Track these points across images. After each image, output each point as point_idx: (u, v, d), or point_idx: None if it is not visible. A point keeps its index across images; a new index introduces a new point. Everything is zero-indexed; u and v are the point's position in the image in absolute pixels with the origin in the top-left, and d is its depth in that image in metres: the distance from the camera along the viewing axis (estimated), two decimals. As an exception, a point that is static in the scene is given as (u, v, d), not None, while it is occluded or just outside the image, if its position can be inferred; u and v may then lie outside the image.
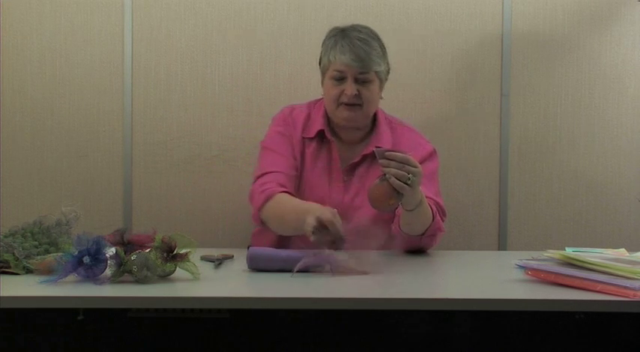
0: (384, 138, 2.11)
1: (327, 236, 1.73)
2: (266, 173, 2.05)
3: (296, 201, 1.97)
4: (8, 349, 1.54)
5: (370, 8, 2.64)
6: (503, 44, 2.66)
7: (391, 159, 1.76)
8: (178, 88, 2.64)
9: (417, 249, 2.01)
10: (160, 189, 2.64)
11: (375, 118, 2.16)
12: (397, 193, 1.77)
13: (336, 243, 1.73)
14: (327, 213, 1.75)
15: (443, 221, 2.06)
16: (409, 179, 1.76)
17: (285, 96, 2.60)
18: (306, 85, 2.61)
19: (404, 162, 1.77)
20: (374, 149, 1.84)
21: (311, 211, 1.78)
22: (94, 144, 2.63)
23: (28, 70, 2.62)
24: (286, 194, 1.99)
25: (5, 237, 1.67)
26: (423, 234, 1.94)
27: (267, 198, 1.98)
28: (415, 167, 1.78)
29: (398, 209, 1.92)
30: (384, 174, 1.77)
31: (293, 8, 2.63)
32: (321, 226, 1.73)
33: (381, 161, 1.78)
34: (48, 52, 2.62)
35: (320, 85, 2.16)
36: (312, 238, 1.74)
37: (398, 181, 1.76)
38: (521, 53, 2.67)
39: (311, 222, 1.73)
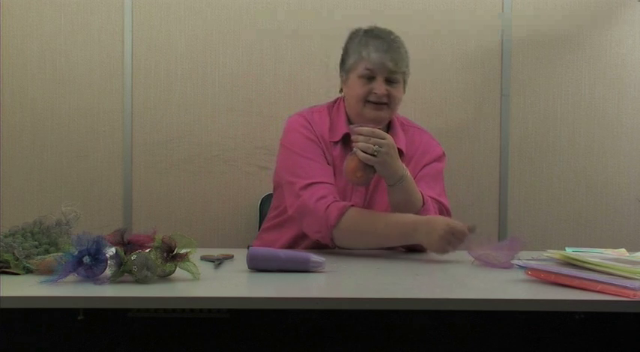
0: (399, 140, 2.10)
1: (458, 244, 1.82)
2: (315, 183, 1.97)
3: (379, 214, 1.94)
4: (8, 349, 1.54)
5: (370, 9, 2.64)
6: (503, 44, 2.66)
7: (359, 134, 1.83)
8: (178, 88, 2.64)
9: (413, 245, 2.01)
10: (160, 189, 2.64)
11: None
12: (365, 166, 1.84)
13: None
14: (454, 225, 1.83)
15: None
16: (375, 151, 1.81)
17: (285, 96, 2.60)
18: (306, 85, 2.62)
19: (370, 135, 1.82)
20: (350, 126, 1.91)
21: (429, 224, 1.84)
22: (94, 144, 2.63)
23: (28, 70, 2.62)
24: (356, 208, 1.94)
25: (5, 237, 1.67)
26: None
27: (341, 214, 1.90)
28: (382, 139, 1.83)
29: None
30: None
31: (293, 8, 2.63)
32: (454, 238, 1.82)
33: (352, 137, 1.86)
34: (48, 52, 2.62)
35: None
36: (445, 251, 1.83)
37: (363, 153, 1.82)
38: (521, 53, 2.67)
39: (447, 236, 1.81)
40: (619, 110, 2.71)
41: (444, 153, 2.17)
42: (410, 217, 1.89)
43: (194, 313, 1.52)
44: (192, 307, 1.51)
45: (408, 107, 2.63)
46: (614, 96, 2.70)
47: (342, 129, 2.08)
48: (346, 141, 2.07)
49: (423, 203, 1.94)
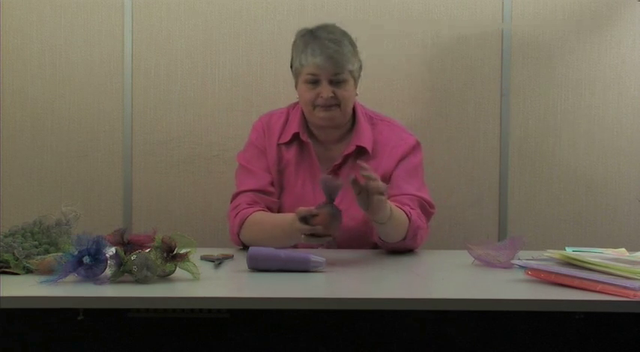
0: (364, 136, 2.09)
1: (318, 232, 1.75)
2: (238, 193, 2.08)
3: (271, 216, 2.00)
4: (8, 349, 1.54)
5: (370, 9, 2.64)
6: (503, 44, 2.66)
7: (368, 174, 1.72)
8: (178, 88, 2.64)
9: (404, 250, 2.00)
10: (160, 189, 2.64)
11: (354, 115, 2.13)
12: (334, 220, 1.75)
13: (327, 235, 1.76)
14: (304, 209, 1.77)
15: (431, 214, 2.06)
16: (383, 189, 1.73)
17: (285, 97, 2.59)
18: (306, 85, 2.61)
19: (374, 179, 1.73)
20: (321, 179, 1.81)
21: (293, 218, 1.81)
22: (94, 144, 2.63)
23: (28, 70, 2.62)
24: (259, 212, 2.01)
25: (5, 237, 1.67)
26: (403, 238, 1.92)
27: (242, 222, 2.00)
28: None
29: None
30: (325, 202, 1.75)
31: (293, 8, 2.63)
32: (310, 222, 1.75)
33: (328, 188, 1.74)
34: (48, 52, 2.62)
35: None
36: (303, 239, 1.77)
37: (378, 196, 1.72)
38: (521, 53, 2.67)
39: (299, 225, 1.76)
40: (619, 110, 2.70)
41: (417, 143, 2.13)
42: (285, 218, 1.89)
43: (194, 313, 1.52)
44: (192, 307, 1.51)
45: (408, 107, 2.64)
46: (614, 96, 2.70)
47: (293, 129, 2.10)
48: (300, 141, 2.10)
49: (409, 219, 1.92)
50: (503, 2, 2.65)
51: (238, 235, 2.02)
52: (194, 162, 2.64)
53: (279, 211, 2.08)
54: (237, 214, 2.02)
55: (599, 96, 2.69)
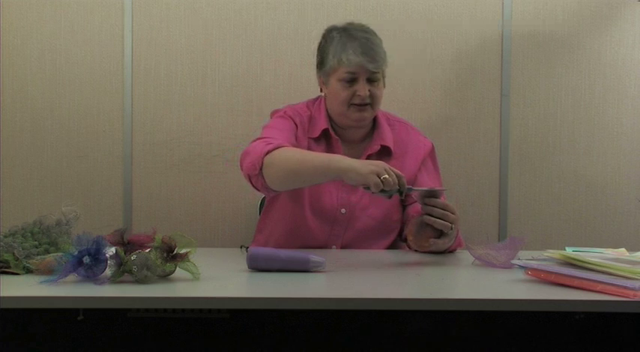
0: (386, 136, 2.10)
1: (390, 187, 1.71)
2: (267, 137, 1.97)
3: (309, 152, 1.94)
4: (8, 349, 1.54)
5: (370, 8, 2.64)
6: (503, 44, 2.66)
7: (432, 205, 1.77)
8: (178, 88, 2.64)
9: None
10: (160, 189, 2.64)
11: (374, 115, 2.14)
12: (435, 232, 1.80)
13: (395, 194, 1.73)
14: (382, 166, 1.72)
15: None
16: (451, 228, 1.78)
17: (285, 96, 2.60)
18: (306, 85, 2.62)
19: (445, 210, 1.78)
20: (411, 190, 1.79)
21: (355, 162, 1.76)
22: (94, 144, 2.63)
23: (28, 70, 2.62)
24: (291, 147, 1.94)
25: (5, 237, 1.67)
26: (444, 251, 1.94)
27: (276, 147, 1.88)
28: (453, 213, 1.80)
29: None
30: (427, 214, 1.79)
31: (293, 8, 2.63)
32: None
33: (423, 207, 1.79)
34: (48, 52, 2.62)
35: (317, 85, 2.14)
36: (374, 189, 1.70)
37: (441, 226, 1.78)
38: (521, 53, 2.67)
39: (380, 169, 1.70)
40: (619, 110, 2.71)
41: (433, 146, 2.17)
42: (330, 155, 1.86)
43: (194, 313, 1.52)
44: (192, 307, 1.51)
45: (408, 107, 2.64)
46: (613, 96, 2.70)
47: (321, 125, 2.09)
48: (325, 137, 2.09)
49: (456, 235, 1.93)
50: (503, 2, 2.65)
51: (264, 156, 1.87)
52: (194, 162, 2.64)
53: (290, 206, 2.06)
54: (271, 143, 1.90)
55: (599, 96, 2.70)
